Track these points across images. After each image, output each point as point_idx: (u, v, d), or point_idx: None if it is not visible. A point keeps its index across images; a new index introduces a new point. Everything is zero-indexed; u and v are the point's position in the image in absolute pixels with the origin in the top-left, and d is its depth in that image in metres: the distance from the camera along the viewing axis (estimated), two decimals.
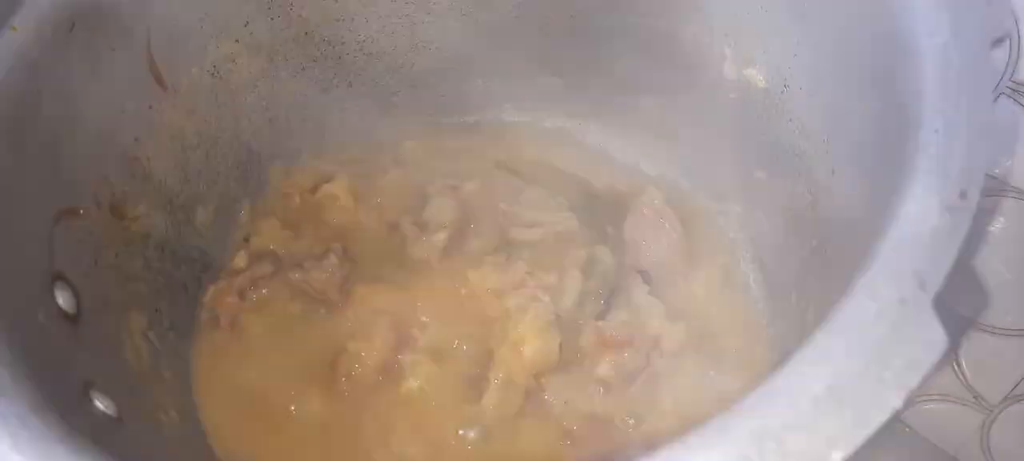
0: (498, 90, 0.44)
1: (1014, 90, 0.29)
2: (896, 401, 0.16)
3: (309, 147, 0.44)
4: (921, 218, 0.19)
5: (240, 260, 0.40)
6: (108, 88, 0.32)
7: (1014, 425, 0.42)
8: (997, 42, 0.21)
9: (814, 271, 0.34)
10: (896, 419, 0.17)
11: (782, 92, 0.35)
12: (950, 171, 0.19)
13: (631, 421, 0.35)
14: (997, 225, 0.37)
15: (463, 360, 0.35)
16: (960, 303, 0.39)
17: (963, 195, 0.19)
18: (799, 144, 0.35)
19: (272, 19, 0.39)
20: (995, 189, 0.34)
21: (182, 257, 0.38)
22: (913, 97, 0.22)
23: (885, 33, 0.25)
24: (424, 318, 0.37)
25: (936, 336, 0.17)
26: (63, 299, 0.28)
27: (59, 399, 0.23)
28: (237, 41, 0.38)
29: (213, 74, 0.38)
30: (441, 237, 0.38)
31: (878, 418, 0.16)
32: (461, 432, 0.34)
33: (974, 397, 0.43)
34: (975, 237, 0.37)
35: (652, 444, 0.17)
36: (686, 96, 0.41)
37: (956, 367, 0.42)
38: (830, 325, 0.18)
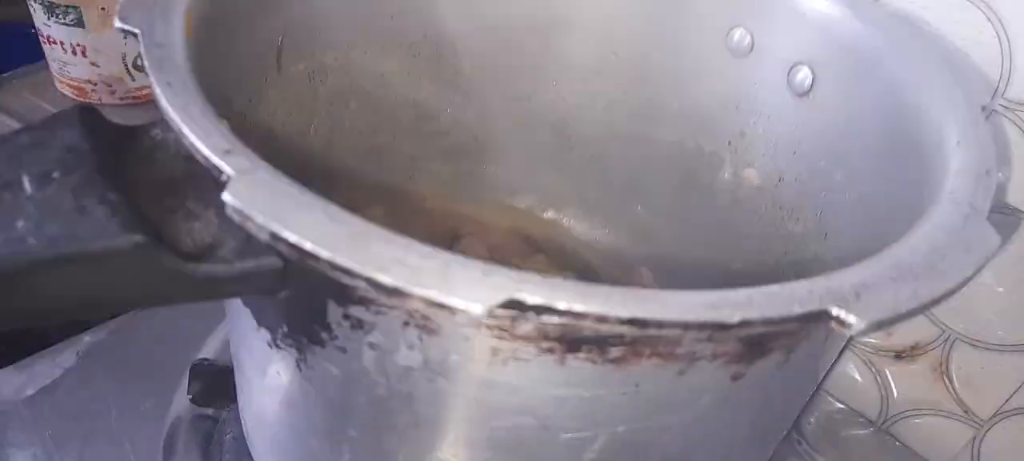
0: (510, 177, 0.51)
1: (1006, 108, 0.39)
2: (980, 261, 0.23)
3: (347, 180, 0.48)
4: (963, 179, 0.27)
5: None
6: (252, 41, 0.37)
7: (1004, 440, 0.46)
8: (984, 108, 0.31)
9: None
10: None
11: (776, 186, 0.45)
12: (975, 159, 0.28)
13: None
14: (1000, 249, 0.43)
15: None
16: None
17: (987, 172, 0.27)
18: (788, 228, 0.44)
19: (365, 53, 0.45)
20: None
21: None
22: (930, 132, 0.31)
23: (894, 111, 0.35)
24: None
25: (992, 235, 0.25)
26: None
27: None
28: (336, 58, 0.44)
29: (310, 78, 0.43)
30: None
31: (971, 268, 0.23)
32: None
33: (964, 412, 0.46)
34: None
35: None
36: (682, 198, 0.49)
37: (946, 381, 0.48)
38: (921, 225, 0.25)
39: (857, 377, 0.55)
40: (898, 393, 0.54)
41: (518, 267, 0.47)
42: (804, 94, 0.42)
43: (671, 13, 0.46)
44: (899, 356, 0.52)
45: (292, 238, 0.19)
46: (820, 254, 0.41)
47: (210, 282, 0.23)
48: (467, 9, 0.47)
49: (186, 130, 0.22)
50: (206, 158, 0.22)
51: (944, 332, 0.49)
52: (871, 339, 0.53)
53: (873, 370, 0.54)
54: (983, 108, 0.31)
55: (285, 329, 0.26)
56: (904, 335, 0.52)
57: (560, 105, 0.51)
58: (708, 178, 0.48)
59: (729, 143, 0.47)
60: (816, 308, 0.20)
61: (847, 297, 0.21)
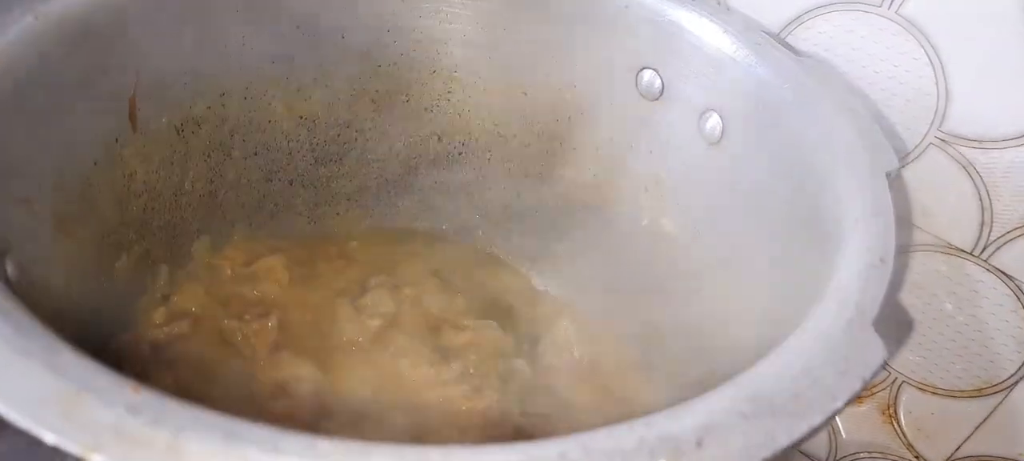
0: (438, 208, 0.48)
1: (943, 141, 0.36)
2: (856, 385, 0.20)
3: (242, 229, 0.44)
4: (853, 274, 0.24)
5: (158, 316, 0.39)
6: (92, 100, 0.33)
7: None
8: (889, 175, 0.28)
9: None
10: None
11: (693, 241, 0.42)
12: (870, 245, 0.25)
13: None
14: (938, 287, 0.41)
15: (385, 434, 0.36)
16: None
17: (883, 260, 0.24)
18: (706, 288, 0.41)
19: (245, 99, 0.42)
20: (928, 244, 0.39)
21: (96, 298, 0.37)
22: (829, 206, 0.28)
23: (800, 171, 0.32)
24: (348, 393, 0.37)
25: (877, 347, 0.21)
26: (11, 269, 0.27)
27: None
28: (209, 108, 0.40)
29: (179, 131, 0.40)
30: (376, 323, 0.40)
31: (843, 397, 0.20)
32: None
33: (916, 457, 0.44)
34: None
35: None
36: (604, 241, 0.46)
37: (897, 427, 0.45)
38: (799, 333, 0.22)
39: None
40: (846, 434, 0.51)
41: (437, 318, 0.44)
42: (715, 143, 0.38)
43: (580, 52, 0.42)
44: None
45: None
46: (736, 321, 0.38)
47: None
48: (368, 51, 0.44)
49: None
50: None
51: (890, 375, 0.46)
52: None
53: None
54: (888, 174, 0.28)
55: None
56: None
57: (472, 145, 0.48)
58: (628, 225, 0.45)
59: (645, 189, 0.43)
60: None
61: (685, 446, 0.17)
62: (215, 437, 0.16)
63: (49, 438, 0.15)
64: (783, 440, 0.18)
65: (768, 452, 0.18)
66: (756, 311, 0.35)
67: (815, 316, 0.22)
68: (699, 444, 0.18)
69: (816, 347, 0.21)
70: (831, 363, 0.20)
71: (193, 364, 0.37)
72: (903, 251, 0.41)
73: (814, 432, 0.19)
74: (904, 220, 0.41)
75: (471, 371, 0.40)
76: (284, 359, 0.37)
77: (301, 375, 0.37)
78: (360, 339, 0.39)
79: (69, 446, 0.15)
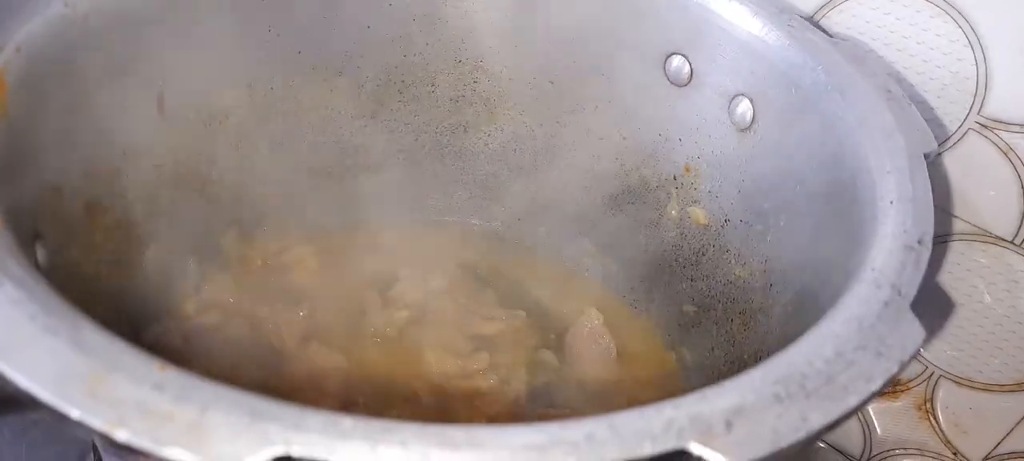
0: (465, 199, 0.48)
1: (983, 126, 0.35)
2: (893, 367, 0.20)
3: (271, 220, 0.45)
4: (890, 254, 0.23)
5: (190, 306, 0.39)
6: (121, 90, 0.33)
7: None
8: (928, 156, 0.27)
9: None
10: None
11: (722, 227, 0.41)
12: (907, 227, 0.24)
13: None
14: (977, 278, 0.40)
15: None
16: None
17: (920, 241, 0.23)
18: (735, 273, 0.40)
19: (272, 89, 0.42)
20: (966, 232, 0.38)
21: (126, 288, 0.37)
22: (865, 188, 0.27)
23: (833, 154, 0.31)
24: (374, 386, 0.37)
25: (916, 328, 0.21)
26: (41, 255, 0.27)
27: None
28: (236, 99, 0.40)
29: (206, 123, 0.40)
30: (404, 314, 0.40)
31: (880, 379, 0.19)
32: None
33: (954, 454, 0.43)
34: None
35: None
36: (630, 232, 0.46)
37: (934, 423, 0.44)
38: (833, 314, 0.21)
39: None
40: (881, 431, 0.50)
41: (465, 309, 0.43)
42: (746, 129, 0.38)
43: (605, 38, 0.42)
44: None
45: (19, 379, 0.16)
46: (765, 307, 0.37)
47: None
48: (394, 39, 0.44)
49: None
50: None
51: (927, 368, 0.45)
52: None
53: None
54: (927, 156, 0.27)
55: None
56: None
57: (498, 134, 0.47)
58: (655, 214, 0.44)
59: (674, 178, 0.43)
60: (672, 446, 0.16)
61: (715, 427, 0.17)
62: (239, 413, 0.16)
63: (74, 414, 0.15)
64: (817, 422, 0.18)
65: (801, 434, 0.17)
66: (789, 295, 0.34)
67: (850, 298, 0.22)
68: (729, 426, 0.17)
69: (850, 329, 0.20)
70: (867, 345, 0.20)
71: (224, 354, 0.37)
72: (941, 239, 0.40)
73: (849, 415, 0.18)
74: (942, 208, 0.40)
75: (499, 362, 0.40)
76: (313, 349, 0.37)
77: (329, 365, 0.37)
78: (388, 330, 0.39)
79: (94, 421, 0.15)
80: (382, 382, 0.37)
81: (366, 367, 0.37)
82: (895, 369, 0.19)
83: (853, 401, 0.18)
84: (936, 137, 0.37)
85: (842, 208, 0.29)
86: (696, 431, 0.17)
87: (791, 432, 0.17)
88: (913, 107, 0.30)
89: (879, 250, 0.23)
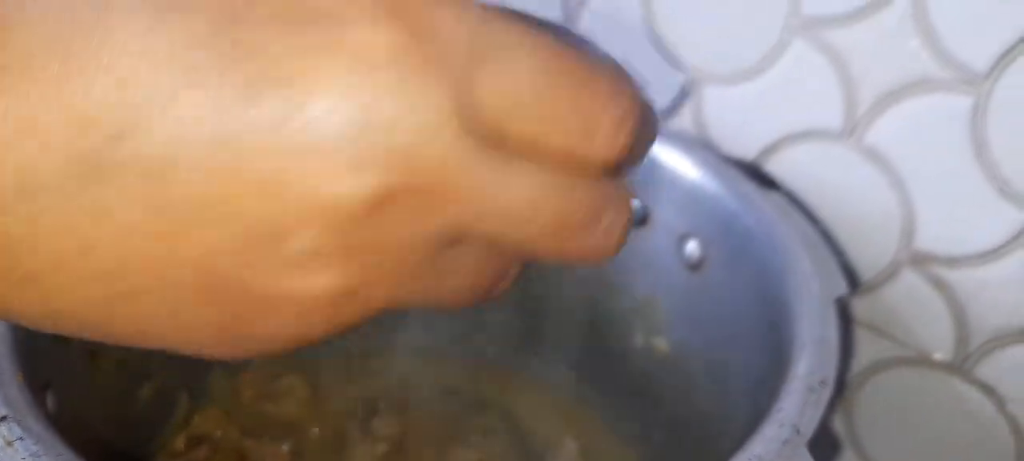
0: (444, 327, 0.51)
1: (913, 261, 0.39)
2: None
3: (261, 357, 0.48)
4: (795, 395, 0.26)
5: (179, 442, 0.42)
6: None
7: None
8: (839, 301, 0.30)
9: None
10: None
11: (684, 358, 0.44)
12: (812, 369, 0.27)
13: None
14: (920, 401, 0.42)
15: None
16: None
17: (822, 382, 0.26)
18: (697, 404, 0.43)
19: None
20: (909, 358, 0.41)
21: (123, 426, 0.40)
22: (785, 329, 0.31)
23: (765, 297, 0.34)
24: None
25: None
26: (51, 402, 0.30)
27: None
28: None
29: None
30: (382, 448, 0.42)
31: None
32: None
33: None
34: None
35: None
36: (603, 358, 0.48)
37: None
38: (740, 453, 0.24)
39: None
40: None
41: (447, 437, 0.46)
42: (696, 267, 0.41)
43: None
44: None
45: None
46: (722, 433, 0.40)
47: None
48: None
49: None
50: None
51: None
52: None
53: None
54: (838, 300, 0.31)
55: None
56: None
57: None
58: (623, 343, 0.47)
59: (637, 309, 0.46)
60: None
61: None
62: None
63: None
64: None
65: None
66: (739, 424, 0.37)
67: (757, 437, 0.24)
68: None
69: None
70: None
71: None
72: (884, 366, 0.43)
73: None
74: (887, 335, 0.43)
75: None
76: None
77: None
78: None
79: None
80: None
81: None
82: None
83: None
84: (869, 270, 0.41)
85: (772, 346, 0.32)
86: None
87: None
88: (830, 254, 0.33)
89: (787, 391, 0.26)
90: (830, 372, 0.26)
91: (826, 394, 0.26)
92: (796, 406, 0.25)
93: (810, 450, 0.24)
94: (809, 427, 0.24)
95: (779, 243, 0.34)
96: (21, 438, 0.22)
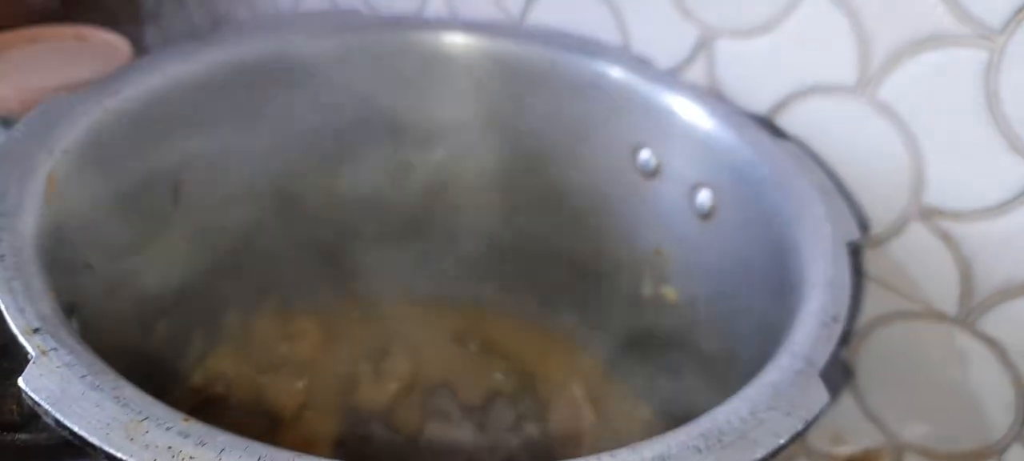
0: (452, 276, 0.52)
1: (921, 214, 0.39)
2: (799, 425, 0.23)
3: (273, 298, 0.48)
4: (808, 331, 0.27)
5: (197, 377, 0.43)
6: (141, 179, 0.38)
7: None
8: (851, 244, 0.31)
9: None
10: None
11: (692, 305, 0.44)
12: (825, 306, 0.28)
13: None
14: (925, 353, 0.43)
15: None
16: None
17: (834, 318, 0.27)
18: (703, 348, 0.43)
19: (277, 178, 0.46)
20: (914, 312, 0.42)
21: (140, 358, 0.41)
22: (796, 272, 0.31)
23: (777, 242, 0.35)
24: (367, 452, 0.40)
25: (821, 393, 0.24)
26: (77, 326, 0.31)
27: None
28: (243, 187, 0.45)
29: (218, 210, 0.44)
30: (393, 387, 0.43)
31: (786, 434, 0.23)
32: None
33: None
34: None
35: None
36: (610, 306, 0.49)
37: None
38: (754, 381, 0.25)
39: None
40: None
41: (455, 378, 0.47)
42: (707, 216, 0.42)
43: (580, 132, 0.46)
44: None
45: (74, 428, 0.20)
46: (726, 377, 0.40)
47: (29, 449, 0.23)
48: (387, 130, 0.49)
49: (1, 305, 0.23)
50: (14, 336, 0.22)
51: (889, 441, 0.48)
52: (821, 445, 0.52)
53: None
54: (850, 243, 0.31)
55: None
56: (859, 439, 0.50)
57: (485, 216, 0.52)
58: (631, 291, 0.48)
59: (647, 260, 0.47)
60: None
61: None
62: (249, 456, 0.19)
63: (118, 455, 0.19)
64: None
65: None
66: (745, 365, 0.38)
67: (770, 367, 0.25)
68: None
69: (765, 394, 0.24)
70: (777, 407, 0.23)
71: (226, 425, 0.40)
72: (888, 319, 0.44)
73: None
74: (892, 288, 0.43)
75: (485, 431, 0.43)
76: (308, 418, 0.41)
77: (322, 435, 0.40)
78: (380, 400, 0.43)
79: None
80: (373, 452, 0.40)
81: (359, 437, 0.41)
82: (800, 427, 0.23)
83: (760, 453, 0.21)
84: (878, 223, 0.41)
85: (783, 289, 0.33)
86: None
87: None
88: (842, 201, 0.34)
89: (800, 327, 0.27)
90: (842, 310, 0.27)
91: (838, 329, 0.26)
92: (809, 339, 0.26)
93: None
94: (821, 358, 0.25)
95: (792, 191, 0.35)
96: (55, 349, 0.22)
